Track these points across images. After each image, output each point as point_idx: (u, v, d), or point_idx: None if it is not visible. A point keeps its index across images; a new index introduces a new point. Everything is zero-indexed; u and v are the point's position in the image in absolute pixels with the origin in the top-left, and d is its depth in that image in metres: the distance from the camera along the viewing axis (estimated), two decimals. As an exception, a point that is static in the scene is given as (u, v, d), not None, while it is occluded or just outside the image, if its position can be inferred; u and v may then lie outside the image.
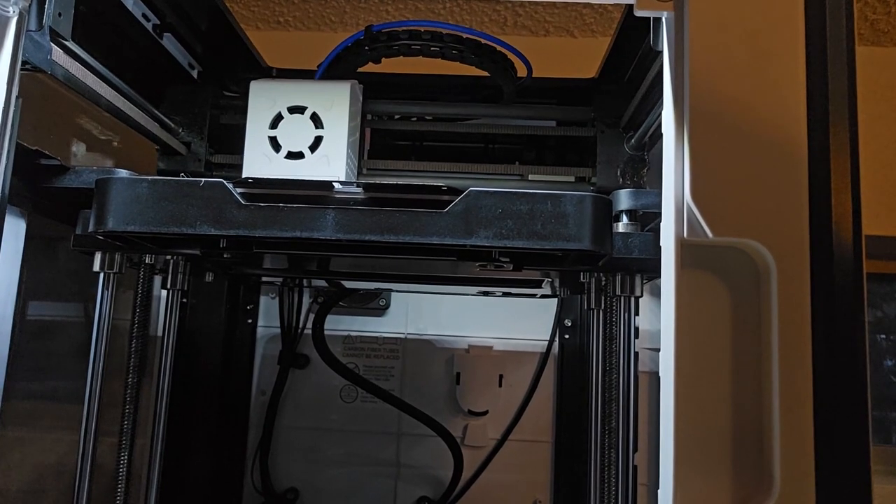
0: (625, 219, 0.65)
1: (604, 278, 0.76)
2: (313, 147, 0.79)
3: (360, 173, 0.86)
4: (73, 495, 0.69)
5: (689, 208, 0.50)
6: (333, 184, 0.60)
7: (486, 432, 1.07)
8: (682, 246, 0.50)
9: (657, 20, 0.57)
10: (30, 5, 0.56)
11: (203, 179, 0.58)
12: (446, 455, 1.04)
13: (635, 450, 0.75)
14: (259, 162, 0.79)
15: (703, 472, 0.49)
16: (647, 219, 0.68)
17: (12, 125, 0.55)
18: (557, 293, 1.04)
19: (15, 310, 0.73)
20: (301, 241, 0.58)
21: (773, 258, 0.50)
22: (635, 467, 0.75)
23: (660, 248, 0.53)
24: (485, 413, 1.07)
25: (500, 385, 1.08)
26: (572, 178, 0.93)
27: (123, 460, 0.79)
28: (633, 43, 0.77)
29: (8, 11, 0.55)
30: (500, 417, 1.08)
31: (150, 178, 0.59)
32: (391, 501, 1.06)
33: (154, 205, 0.57)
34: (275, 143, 0.79)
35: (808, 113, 0.51)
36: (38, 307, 0.79)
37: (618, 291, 0.72)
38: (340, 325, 1.09)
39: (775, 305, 0.49)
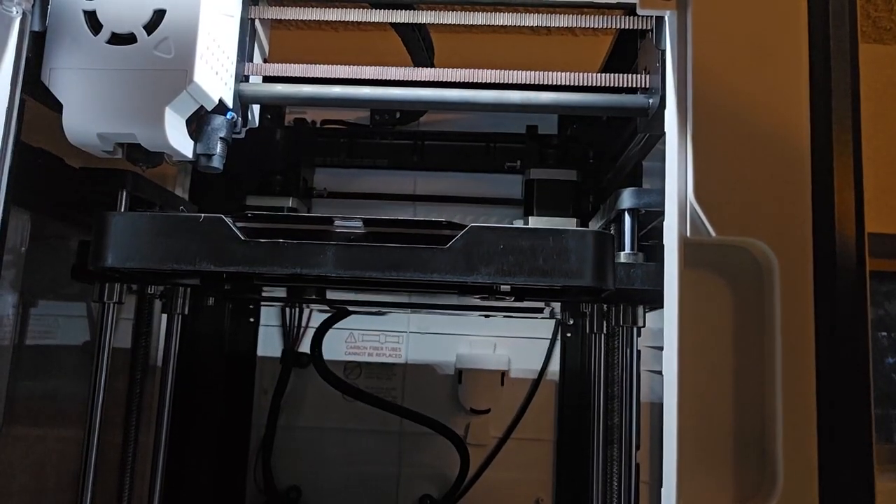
0: (627, 247, 0.64)
1: (605, 306, 0.76)
2: (151, 26, 0.56)
3: (239, 79, 0.64)
4: (78, 494, 0.70)
5: (693, 207, 0.50)
6: (333, 218, 0.59)
7: (488, 431, 1.07)
8: (685, 245, 0.50)
9: (660, 19, 0.57)
10: (33, 6, 0.56)
11: (202, 215, 0.57)
12: (448, 453, 1.04)
13: (637, 448, 0.75)
14: (68, 49, 0.56)
15: (706, 470, 0.49)
16: (650, 217, 0.68)
17: (16, 125, 0.55)
18: (559, 318, 1.05)
19: (17, 308, 0.73)
20: (302, 277, 0.57)
21: (776, 257, 0.50)
22: (637, 465, 0.75)
23: (662, 278, 0.53)
24: (487, 411, 1.07)
25: (503, 383, 1.08)
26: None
27: (128, 460, 0.79)
28: (635, 41, 0.76)
29: (11, 12, 0.55)
30: (503, 416, 1.08)
31: (149, 213, 0.59)
32: (393, 499, 1.06)
33: (153, 240, 0.57)
34: (93, 21, 0.56)
35: (811, 111, 0.51)
36: (41, 306, 0.79)
37: (620, 322, 0.71)
38: (342, 323, 1.09)
39: (778, 304, 0.50)
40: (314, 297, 0.92)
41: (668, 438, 0.50)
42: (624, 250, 0.65)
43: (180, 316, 0.85)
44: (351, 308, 1.04)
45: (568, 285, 0.56)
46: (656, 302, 0.55)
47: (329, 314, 1.05)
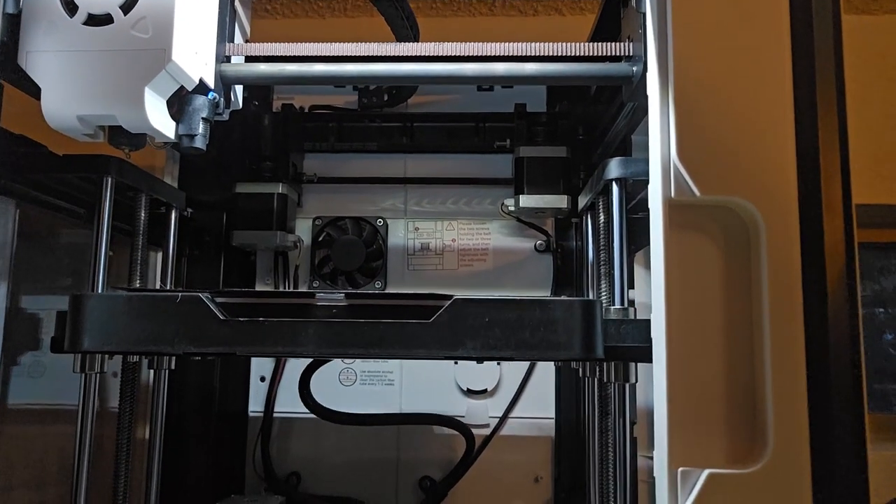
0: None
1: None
2: (127, 6, 0.56)
3: (220, 59, 0.64)
4: (73, 481, 0.69)
5: (676, 167, 0.50)
6: (315, 292, 0.59)
7: (486, 411, 1.07)
8: (670, 206, 0.50)
9: (640, -18, 0.57)
10: (8, -13, 0.55)
11: (179, 294, 0.56)
12: (447, 436, 1.04)
13: (634, 422, 0.75)
14: (44, 31, 0.56)
15: (696, 431, 0.49)
16: (638, 188, 0.68)
17: (-5, 110, 0.55)
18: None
19: (7, 300, 0.72)
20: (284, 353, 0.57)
21: (761, 216, 0.49)
22: (634, 439, 0.75)
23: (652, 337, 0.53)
24: (484, 392, 1.07)
25: (499, 363, 1.08)
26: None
27: (124, 448, 0.79)
28: (619, 14, 0.76)
29: (-15, -7, 0.54)
30: (500, 396, 1.08)
31: (125, 294, 0.58)
32: (393, 482, 1.06)
33: (130, 323, 0.56)
34: (69, 2, 0.56)
35: (794, 69, 0.51)
36: (33, 299, 0.79)
37: (612, 378, 0.68)
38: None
39: (765, 263, 0.49)
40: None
41: (659, 400, 0.50)
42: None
43: (167, 371, 0.84)
44: None
45: (556, 358, 0.55)
46: (648, 359, 0.54)
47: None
